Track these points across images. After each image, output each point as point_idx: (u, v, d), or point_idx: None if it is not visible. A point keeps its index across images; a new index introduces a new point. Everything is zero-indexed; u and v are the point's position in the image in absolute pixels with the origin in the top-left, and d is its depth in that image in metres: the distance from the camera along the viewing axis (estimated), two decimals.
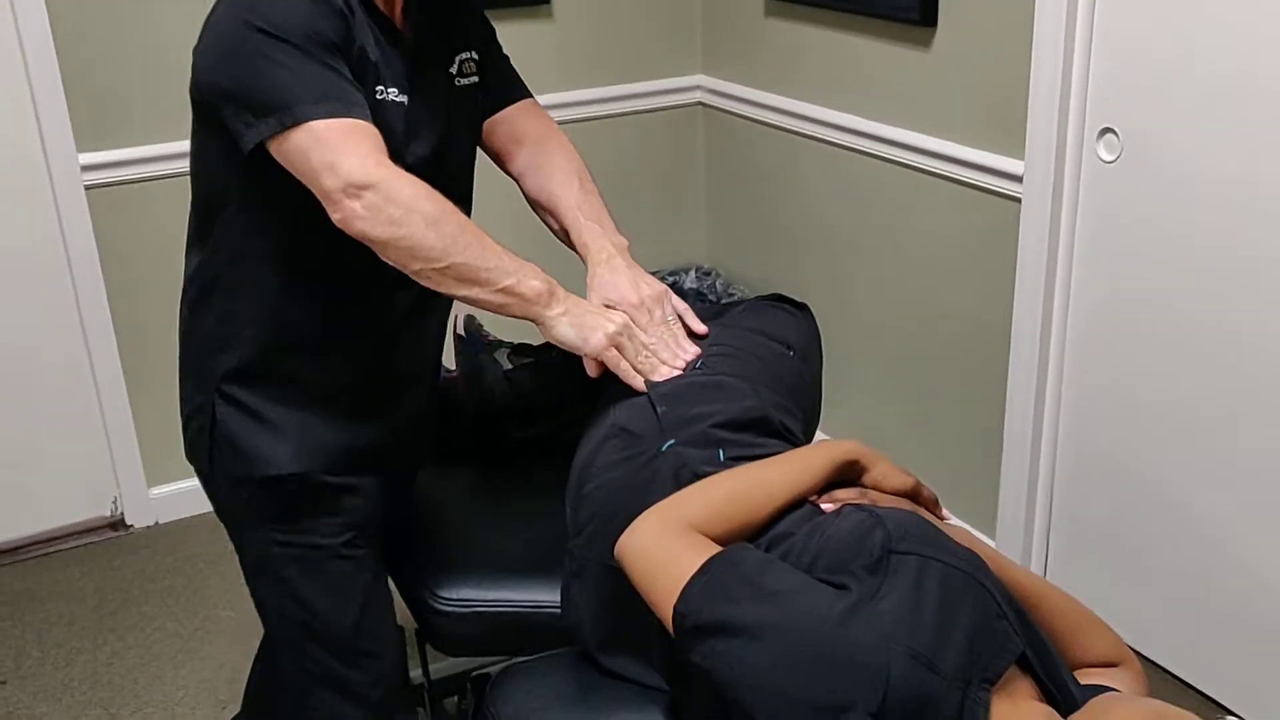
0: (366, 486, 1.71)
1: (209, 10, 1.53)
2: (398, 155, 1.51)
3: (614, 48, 3.27)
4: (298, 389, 1.64)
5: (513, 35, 3.08)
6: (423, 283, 1.51)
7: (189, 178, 1.64)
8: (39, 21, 2.64)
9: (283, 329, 1.62)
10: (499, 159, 1.86)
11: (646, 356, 1.61)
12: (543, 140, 1.85)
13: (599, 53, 3.26)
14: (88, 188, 2.78)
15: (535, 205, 1.85)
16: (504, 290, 1.53)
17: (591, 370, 1.62)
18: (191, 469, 1.73)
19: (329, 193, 1.43)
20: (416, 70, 1.62)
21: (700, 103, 3.40)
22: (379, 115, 1.52)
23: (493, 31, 1.83)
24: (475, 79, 1.74)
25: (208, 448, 1.66)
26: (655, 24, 3.30)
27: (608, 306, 1.68)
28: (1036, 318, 2.46)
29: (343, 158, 1.42)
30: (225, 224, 1.59)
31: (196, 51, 1.53)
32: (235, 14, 1.47)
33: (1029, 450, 2.57)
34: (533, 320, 1.58)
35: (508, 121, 1.84)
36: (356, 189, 1.42)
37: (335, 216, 1.44)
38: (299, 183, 1.47)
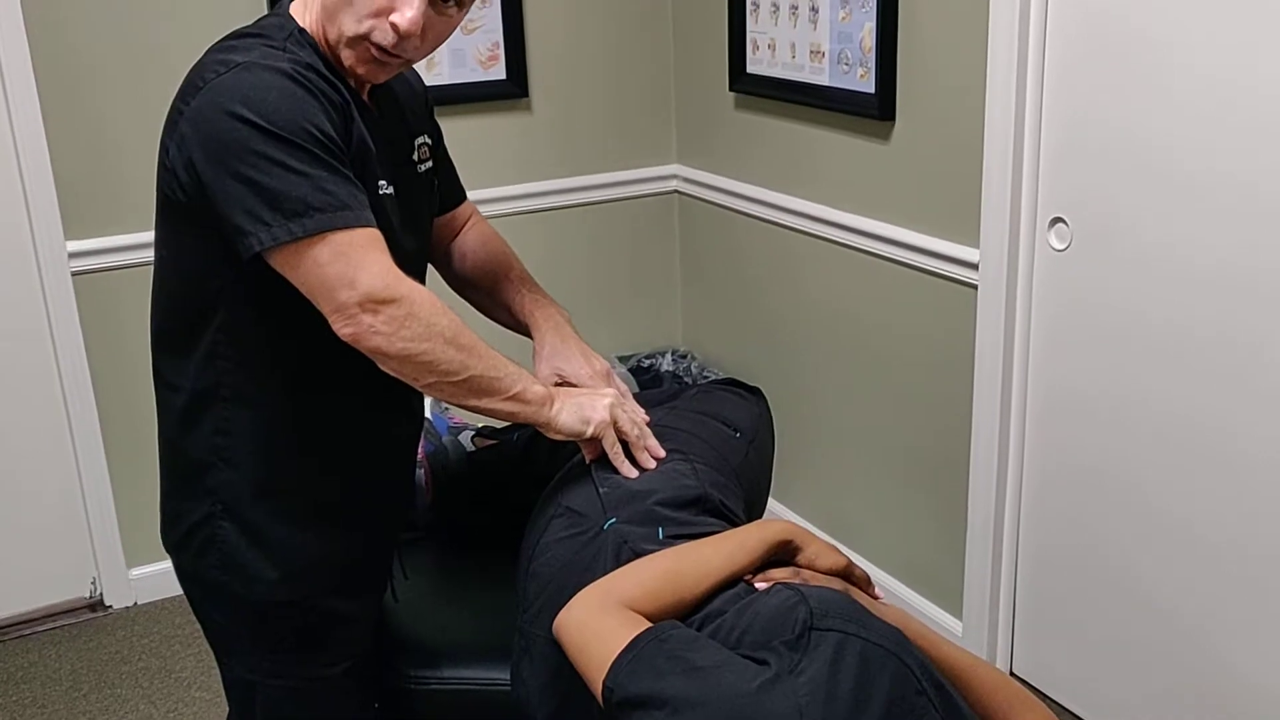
0: (367, 610, 1.68)
1: (178, 97, 1.42)
2: (393, 250, 1.43)
3: (592, 138, 3.36)
4: (303, 500, 1.56)
5: (493, 127, 3.23)
6: (430, 393, 1.46)
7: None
8: (31, 112, 2.72)
9: (286, 438, 1.53)
10: (434, 252, 1.84)
11: (638, 431, 1.60)
12: (486, 237, 1.88)
13: (578, 143, 3.35)
14: (74, 274, 2.84)
15: (466, 282, 1.84)
16: (513, 398, 1.50)
17: (589, 455, 1.61)
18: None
19: (343, 306, 1.36)
20: (394, 156, 1.58)
21: (676, 191, 3.49)
22: (377, 211, 1.44)
23: (435, 116, 1.78)
24: (430, 164, 1.70)
25: (216, 564, 1.56)
26: (632, 116, 3.40)
27: (560, 379, 1.68)
28: (995, 401, 2.51)
29: (362, 272, 1.36)
30: (222, 330, 1.49)
31: (174, 146, 1.42)
32: (221, 106, 1.35)
33: (992, 534, 2.60)
34: (537, 424, 1.55)
35: (454, 220, 1.86)
36: (376, 304, 1.36)
37: (345, 331, 1.37)
38: (294, 288, 1.40)
